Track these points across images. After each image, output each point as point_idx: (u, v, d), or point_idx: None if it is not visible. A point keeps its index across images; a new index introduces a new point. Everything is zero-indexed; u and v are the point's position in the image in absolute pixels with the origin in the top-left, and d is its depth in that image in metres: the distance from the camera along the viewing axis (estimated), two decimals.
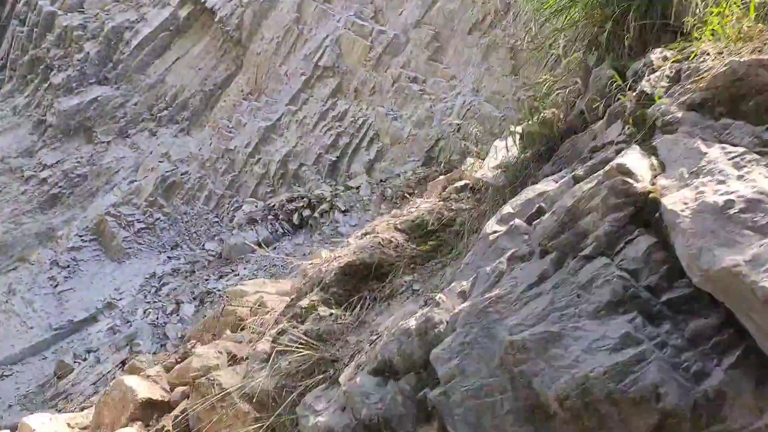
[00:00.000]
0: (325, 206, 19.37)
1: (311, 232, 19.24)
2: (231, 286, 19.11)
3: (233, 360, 6.76)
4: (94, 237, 26.96)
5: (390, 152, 23.21)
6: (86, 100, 27.94)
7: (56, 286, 25.22)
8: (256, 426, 2.67)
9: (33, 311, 24.27)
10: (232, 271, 19.60)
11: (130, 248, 26.37)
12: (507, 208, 2.46)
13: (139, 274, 25.33)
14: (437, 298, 2.14)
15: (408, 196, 17.80)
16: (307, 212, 19.77)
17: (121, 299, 23.88)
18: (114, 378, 17.70)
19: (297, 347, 2.81)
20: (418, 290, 3.20)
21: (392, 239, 3.46)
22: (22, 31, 29.35)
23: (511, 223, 2.30)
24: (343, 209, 18.95)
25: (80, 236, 27.05)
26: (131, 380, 6.32)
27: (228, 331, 8.98)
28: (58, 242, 26.97)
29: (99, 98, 28.06)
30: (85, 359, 18.60)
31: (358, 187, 20.01)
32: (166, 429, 5.84)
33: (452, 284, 2.26)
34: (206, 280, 20.08)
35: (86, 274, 25.83)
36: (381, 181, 20.20)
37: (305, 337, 2.91)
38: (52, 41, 28.23)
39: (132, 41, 27.84)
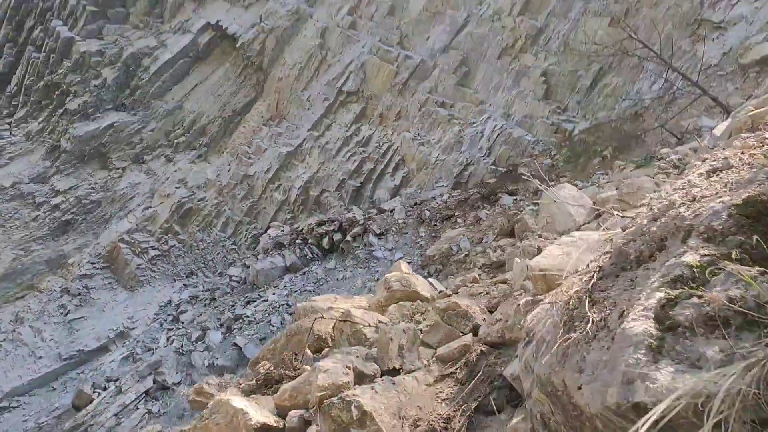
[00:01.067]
0: (357, 230, 18.05)
1: (343, 257, 17.88)
2: (259, 312, 17.61)
3: (359, 377, 5.37)
4: (106, 264, 25.48)
5: (416, 178, 22.05)
6: (102, 126, 26.73)
7: (67, 314, 23.59)
8: None
9: (42, 341, 22.57)
10: (260, 296, 18.13)
11: (143, 276, 24.89)
12: None
13: (152, 302, 23.81)
14: None
15: (449, 218, 16.58)
16: (338, 236, 18.43)
17: (134, 328, 22.29)
18: (137, 409, 15.98)
19: None
20: None
21: None
22: (38, 57, 28.20)
23: None
24: (377, 232, 17.63)
25: (92, 263, 25.54)
26: (239, 402, 4.92)
27: (307, 350, 7.57)
28: (69, 269, 25.43)
29: (115, 124, 26.86)
30: (104, 389, 16.90)
31: (392, 210, 18.73)
32: None
33: None
34: (232, 306, 18.58)
35: (98, 302, 24.28)
36: (416, 204, 18.94)
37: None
38: (69, 67, 27.09)
39: (151, 67, 26.79)
